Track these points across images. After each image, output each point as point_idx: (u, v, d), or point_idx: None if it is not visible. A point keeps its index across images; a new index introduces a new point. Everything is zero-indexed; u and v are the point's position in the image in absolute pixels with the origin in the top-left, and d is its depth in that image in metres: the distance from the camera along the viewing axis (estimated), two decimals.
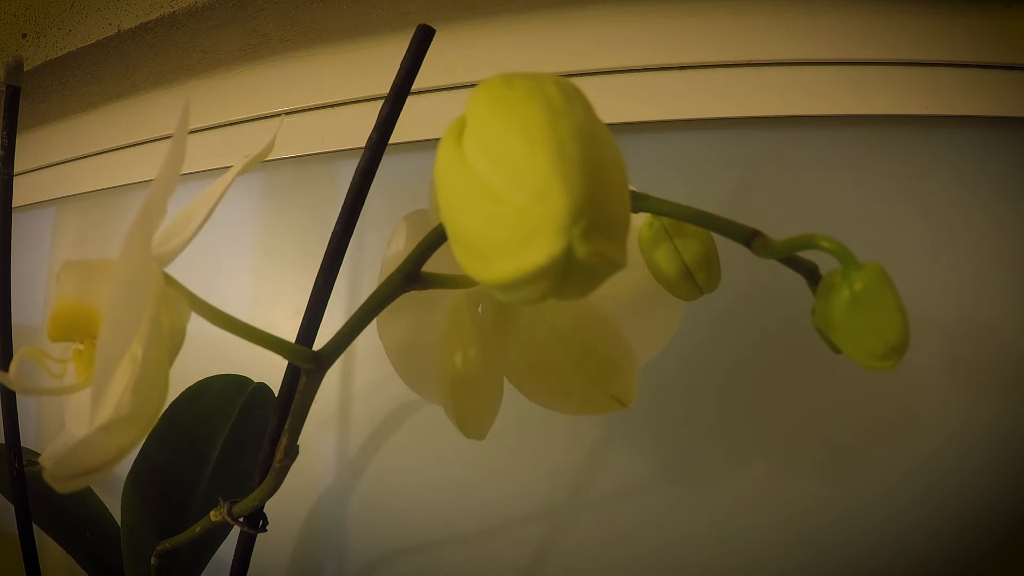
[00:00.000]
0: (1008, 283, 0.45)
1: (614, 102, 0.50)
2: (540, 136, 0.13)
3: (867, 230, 0.48)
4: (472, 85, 0.52)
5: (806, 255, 0.18)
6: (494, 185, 0.14)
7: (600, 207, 0.13)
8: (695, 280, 0.19)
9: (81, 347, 0.21)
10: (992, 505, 0.44)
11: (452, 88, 0.52)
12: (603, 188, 0.14)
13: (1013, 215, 0.46)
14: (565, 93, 0.15)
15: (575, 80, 0.51)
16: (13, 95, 0.37)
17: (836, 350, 0.16)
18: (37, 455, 0.48)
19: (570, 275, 0.13)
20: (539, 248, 0.13)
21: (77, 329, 0.21)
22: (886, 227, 0.48)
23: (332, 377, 0.56)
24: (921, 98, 0.47)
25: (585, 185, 0.13)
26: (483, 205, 0.14)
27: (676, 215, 0.17)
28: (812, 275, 0.17)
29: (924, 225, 0.47)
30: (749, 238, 0.16)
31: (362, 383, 0.56)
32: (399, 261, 0.23)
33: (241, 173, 0.22)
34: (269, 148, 0.23)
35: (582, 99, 0.15)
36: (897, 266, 0.47)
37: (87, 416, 0.18)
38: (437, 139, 0.16)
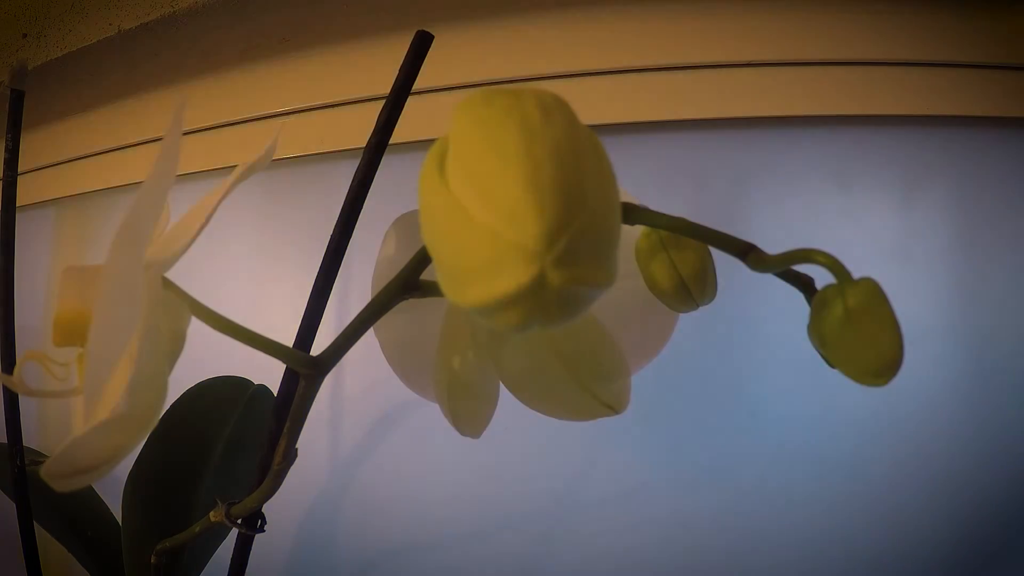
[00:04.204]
0: (1008, 285, 0.46)
1: (613, 102, 0.50)
2: (514, 158, 0.13)
3: (865, 230, 0.48)
4: (474, 85, 0.52)
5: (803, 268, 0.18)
6: (469, 207, 0.13)
7: (580, 229, 0.13)
8: (691, 293, 0.19)
9: (83, 351, 0.21)
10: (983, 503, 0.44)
11: (452, 88, 0.52)
12: (584, 209, 0.13)
13: (1012, 216, 0.47)
14: (545, 110, 0.14)
15: (576, 80, 0.50)
16: (17, 99, 0.37)
17: (831, 365, 0.16)
18: (39, 454, 0.48)
19: (547, 302, 0.13)
20: (508, 275, 0.13)
21: (79, 333, 0.21)
22: (884, 227, 0.48)
23: (328, 377, 0.56)
24: (921, 98, 0.47)
25: (561, 208, 0.13)
26: (457, 227, 0.14)
27: (671, 228, 0.17)
28: (808, 289, 0.17)
29: (922, 225, 0.47)
30: (744, 252, 0.16)
31: (359, 383, 0.56)
32: (391, 264, 0.23)
33: (239, 181, 0.22)
34: (269, 156, 0.23)
35: (563, 114, 0.15)
36: (895, 266, 0.47)
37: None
38: (436, 139, 0.16)
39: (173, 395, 0.39)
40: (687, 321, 0.23)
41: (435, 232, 0.14)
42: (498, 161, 0.13)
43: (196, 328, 0.22)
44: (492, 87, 0.15)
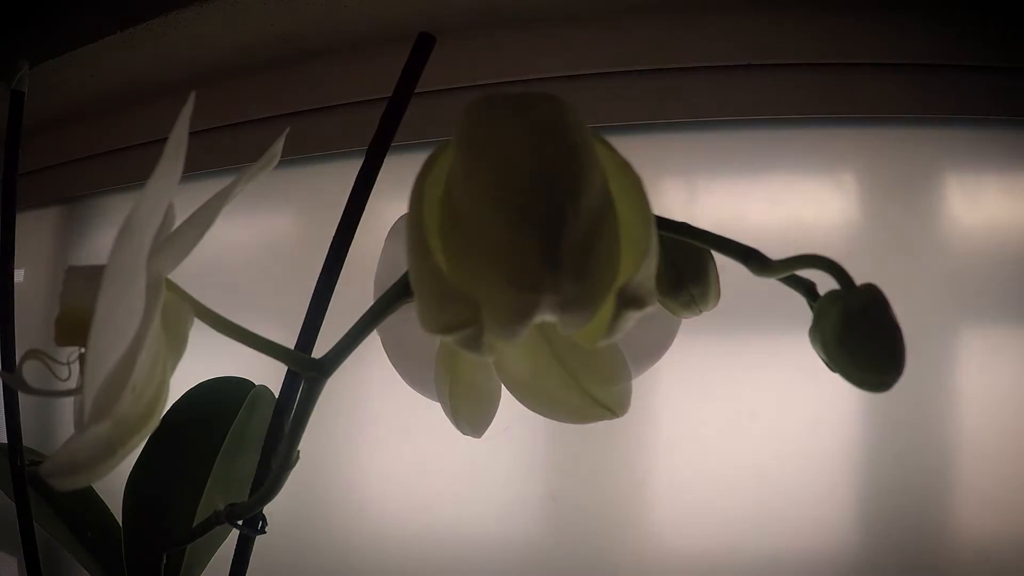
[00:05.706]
0: (1008, 285, 0.46)
1: (613, 103, 0.50)
2: (496, 203, 0.12)
3: (865, 231, 0.48)
4: (476, 87, 0.51)
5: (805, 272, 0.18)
6: (434, 239, 0.13)
7: (579, 264, 0.12)
8: (693, 298, 0.19)
9: (85, 350, 0.21)
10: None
11: (454, 89, 0.52)
12: (579, 240, 0.12)
13: (1010, 216, 0.47)
14: (545, 128, 0.13)
15: (576, 81, 0.50)
16: (17, 100, 0.37)
17: (833, 369, 0.16)
18: (39, 454, 0.48)
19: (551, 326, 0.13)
20: (452, 314, 0.12)
21: (81, 333, 0.21)
22: (884, 227, 0.48)
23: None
24: (922, 98, 0.47)
25: (550, 252, 0.12)
26: (421, 252, 0.13)
27: (673, 232, 0.17)
28: (810, 293, 0.17)
29: (922, 225, 0.47)
30: (746, 256, 0.16)
31: (360, 383, 0.56)
32: (393, 266, 0.23)
33: (244, 183, 0.22)
34: (274, 158, 0.23)
35: (566, 134, 0.13)
36: (894, 266, 0.47)
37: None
38: (439, 139, 0.15)
39: (173, 395, 0.39)
40: (687, 324, 0.23)
41: (407, 247, 0.14)
42: (483, 195, 0.12)
43: (197, 329, 0.22)
44: (492, 95, 0.15)
